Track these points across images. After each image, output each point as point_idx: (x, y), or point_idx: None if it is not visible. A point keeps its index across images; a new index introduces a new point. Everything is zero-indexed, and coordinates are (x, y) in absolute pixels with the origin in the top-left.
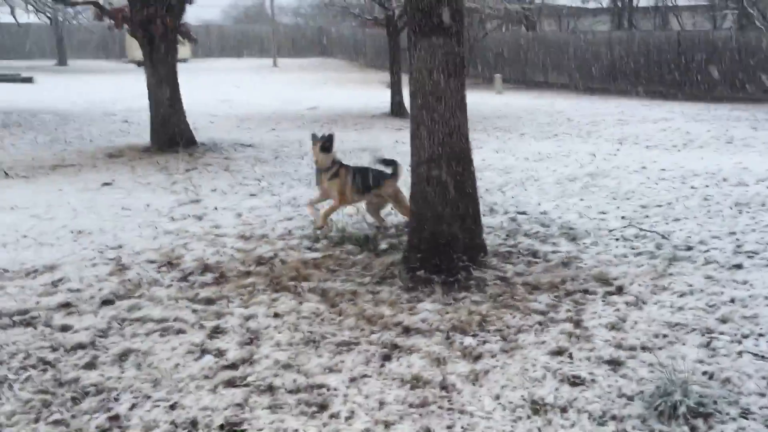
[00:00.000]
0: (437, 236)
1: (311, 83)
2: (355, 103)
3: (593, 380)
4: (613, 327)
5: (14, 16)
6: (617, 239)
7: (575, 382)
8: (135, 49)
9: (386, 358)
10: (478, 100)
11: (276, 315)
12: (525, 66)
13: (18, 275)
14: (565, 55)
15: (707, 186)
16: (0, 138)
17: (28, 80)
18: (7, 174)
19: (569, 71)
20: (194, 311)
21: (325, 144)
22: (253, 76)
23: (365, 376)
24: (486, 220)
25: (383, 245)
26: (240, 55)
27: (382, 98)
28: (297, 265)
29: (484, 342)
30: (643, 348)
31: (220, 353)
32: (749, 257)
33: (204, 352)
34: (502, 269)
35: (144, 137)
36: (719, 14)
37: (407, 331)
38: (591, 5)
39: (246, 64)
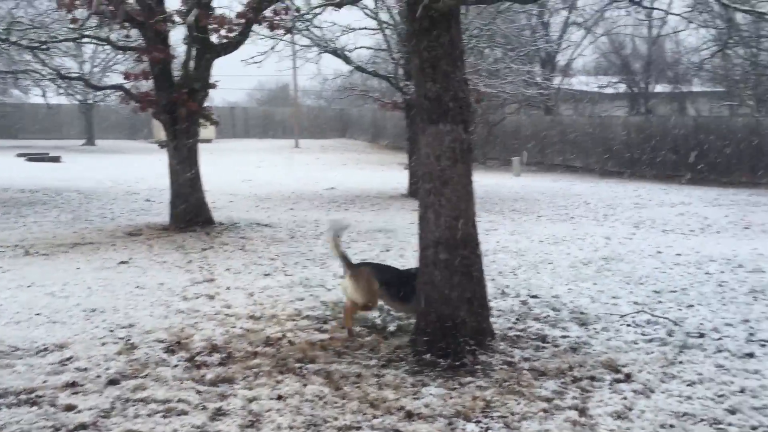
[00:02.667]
0: (444, 319)
1: (331, 164)
2: (373, 184)
3: None
4: (619, 416)
5: (45, 98)
6: (628, 325)
7: None
8: (161, 130)
9: None
10: (495, 183)
11: (279, 397)
12: (543, 149)
13: (28, 353)
14: (583, 138)
15: (722, 272)
16: (24, 216)
17: (56, 159)
18: (27, 252)
19: (587, 155)
20: (198, 392)
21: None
22: (275, 156)
23: None
24: (497, 303)
25: (392, 327)
26: (264, 136)
27: (400, 180)
28: (304, 346)
29: (487, 429)
30: None
31: None
32: (762, 346)
33: None
34: (510, 354)
35: (164, 216)
36: (736, 100)
37: (410, 416)
38: (608, 91)
39: (269, 144)
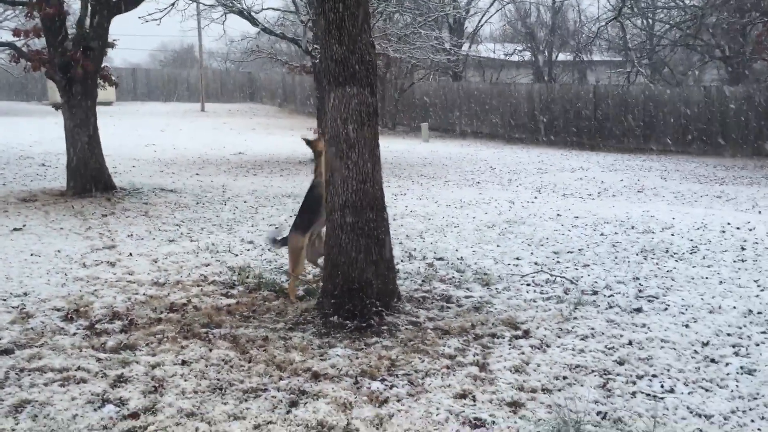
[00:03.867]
0: (351, 282)
1: (239, 128)
2: (283, 149)
3: (494, 422)
4: (516, 370)
5: None
6: (528, 284)
7: (476, 424)
8: (56, 92)
9: (293, 404)
10: (405, 148)
11: (184, 362)
12: (452, 115)
13: None
14: (489, 105)
15: (616, 233)
16: None
17: None
18: None
19: (494, 121)
20: (98, 360)
21: None
22: (180, 120)
23: (270, 422)
24: (404, 266)
25: (300, 291)
26: (168, 99)
27: None
28: (210, 311)
29: (392, 386)
30: (544, 390)
31: (121, 402)
32: (649, 301)
33: (105, 401)
34: (415, 314)
35: (61, 181)
36: (633, 70)
37: (316, 376)
38: (514, 58)
39: (173, 108)
